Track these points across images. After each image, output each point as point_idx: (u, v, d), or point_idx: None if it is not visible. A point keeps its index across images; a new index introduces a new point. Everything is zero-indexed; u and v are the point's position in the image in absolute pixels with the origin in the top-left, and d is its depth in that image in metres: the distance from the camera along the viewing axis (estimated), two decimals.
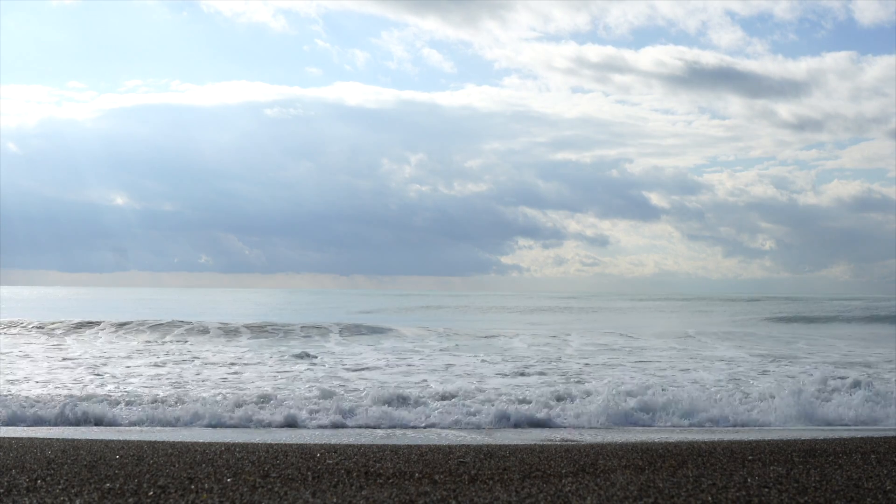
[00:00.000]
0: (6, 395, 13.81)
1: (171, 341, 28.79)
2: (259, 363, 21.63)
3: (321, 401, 13.65)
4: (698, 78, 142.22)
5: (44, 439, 9.68)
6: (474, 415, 12.94)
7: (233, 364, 21.19)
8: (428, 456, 8.19)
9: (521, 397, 14.31)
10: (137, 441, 9.72)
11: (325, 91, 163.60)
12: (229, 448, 8.74)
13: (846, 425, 13.09)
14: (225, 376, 18.46)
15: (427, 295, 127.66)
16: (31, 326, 32.91)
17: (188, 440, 10.09)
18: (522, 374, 19.21)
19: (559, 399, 14.14)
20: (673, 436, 11.44)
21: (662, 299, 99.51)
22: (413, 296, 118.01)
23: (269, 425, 12.38)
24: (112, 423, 12.39)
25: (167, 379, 17.70)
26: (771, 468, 7.26)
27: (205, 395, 14.60)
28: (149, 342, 28.29)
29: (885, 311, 54.91)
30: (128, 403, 13.28)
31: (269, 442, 10.05)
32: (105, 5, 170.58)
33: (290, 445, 9.26)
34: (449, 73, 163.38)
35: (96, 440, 9.78)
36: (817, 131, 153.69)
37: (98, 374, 18.43)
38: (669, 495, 5.91)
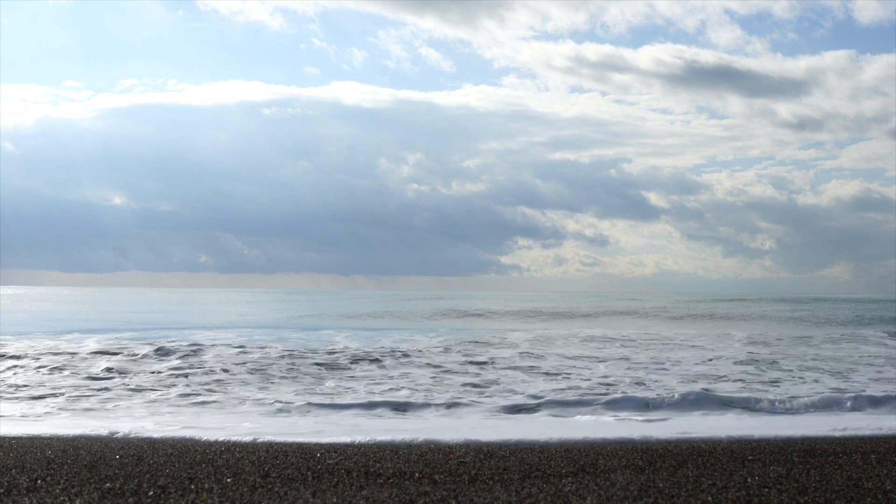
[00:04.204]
0: None
1: None
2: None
3: None
4: (697, 77, 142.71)
5: (44, 439, 9.68)
6: None
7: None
8: (428, 456, 8.19)
9: None
10: (137, 441, 9.72)
11: (322, 90, 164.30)
12: (229, 448, 8.74)
13: None
14: None
15: (439, 296, 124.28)
16: None
17: (188, 440, 10.08)
18: None
19: None
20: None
21: (709, 300, 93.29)
22: (429, 297, 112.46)
23: None
24: None
25: None
26: (771, 468, 7.25)
27: None
28: None
29: None
30: None
31: (269, 442, 10.04)
32: (101, 4, 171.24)
33: (290, 445, 9.25)
34: (447, 72, 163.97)
35: (96, 440, 9.77)
36: (817, 131, 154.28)
37: None
38: (669, 495, 5.91)
